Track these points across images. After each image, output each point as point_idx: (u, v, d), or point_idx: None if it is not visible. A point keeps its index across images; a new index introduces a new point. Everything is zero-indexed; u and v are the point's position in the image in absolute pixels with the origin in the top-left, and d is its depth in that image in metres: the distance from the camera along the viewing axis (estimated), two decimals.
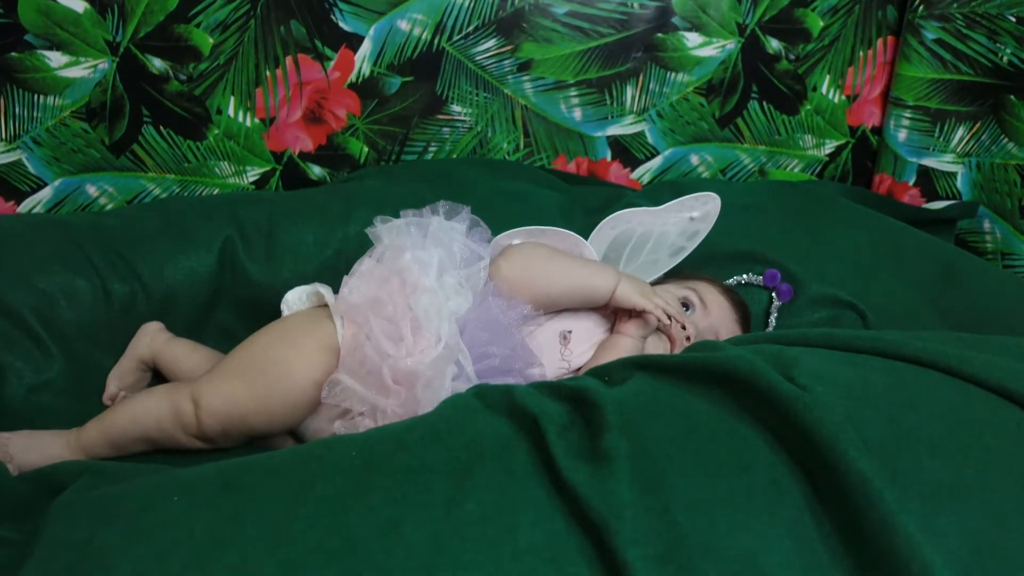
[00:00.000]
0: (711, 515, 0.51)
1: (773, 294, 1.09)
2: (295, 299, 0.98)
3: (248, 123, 1.34)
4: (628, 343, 0.89)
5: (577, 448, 0.56)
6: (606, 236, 1.02)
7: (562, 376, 0.89)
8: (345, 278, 0.93)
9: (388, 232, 0.92)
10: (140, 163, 1.34)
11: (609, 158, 1.42)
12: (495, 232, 1.15)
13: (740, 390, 0.59)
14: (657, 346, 0.93)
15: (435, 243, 0.90)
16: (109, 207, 1.35)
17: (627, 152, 1.42)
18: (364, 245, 1.11)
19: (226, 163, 1.36)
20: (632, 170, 1.43)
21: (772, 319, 1.07)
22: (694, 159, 1.44)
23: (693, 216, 1.02)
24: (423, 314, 0.82)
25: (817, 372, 0.59)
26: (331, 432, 0.85)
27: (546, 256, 0.93)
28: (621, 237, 1.02)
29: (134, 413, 0.89)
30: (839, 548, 0.51)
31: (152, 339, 1.06)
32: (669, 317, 0.90)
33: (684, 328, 0.93)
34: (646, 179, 1.44)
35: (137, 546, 0.54)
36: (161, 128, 1.32)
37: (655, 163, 1.43)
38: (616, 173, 1.43)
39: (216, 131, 1.34)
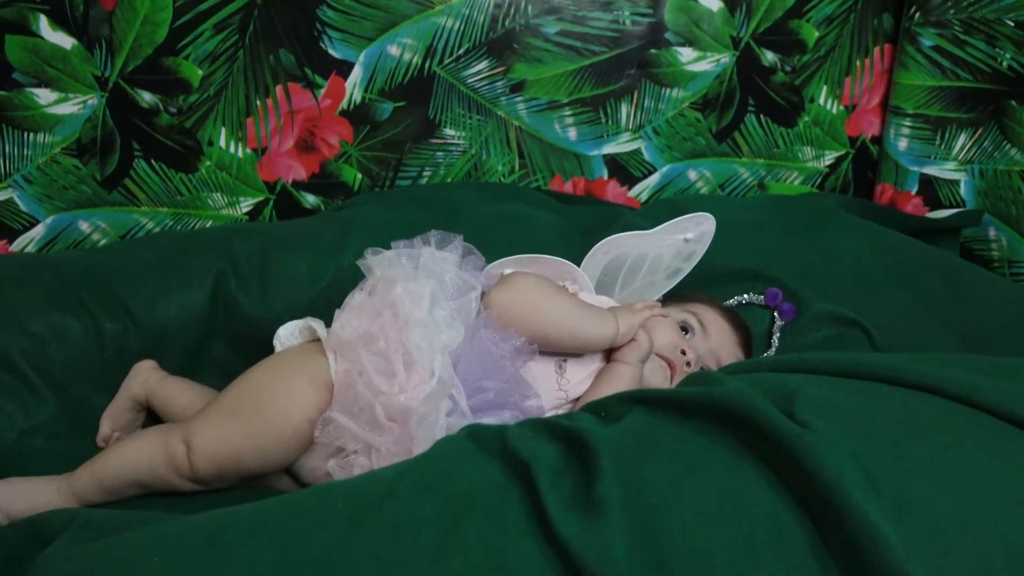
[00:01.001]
0: (710, 565, 0.49)
1: (775, 313, 1.07)
2: (287, 334, 0.96)
3: (240, 154, 1.33)
4: (626, 371, 0.87)
5: (571, 497, 0.54)
6: (599, 261, 1.00)
7: (560, 407, 0.87)
8: (337, 312, 0.91)
9: (379, 264, 0.91)
10: (133, 197, 1.33)
11: (606, 177, 1.40)
12: (491, 258, 1.13)
13: (739, 426, 0.57)
14: (657, 373, 0.91)
15: (427, 274, 0.88)
16: (102, 243, 1.34)
17: (624, 170, 1.41)
18: (359, 275, 1.10)
19: (219, 194, 1.35)
20: (629, 188, 1.42)
21: (775, 339, 1.05)
22: (692, 175, 1.42)
23: (688, 237, 1.00)
24: (415, 348, 0.80)
25: (819, 404, 0.57)
26: (326, 471, 0.83)
27: (547, 295, 0.89)
28: (615, 261, 1.00)
29: (126, 457, 0.87)
30: None
31: (146, 378, 1.04)
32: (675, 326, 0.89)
33: (684, 353, 0.91)
34: (644, 196, 1.42)
35: None
36: (153, 162, 1.31)
37: (653, 180, 1.42)
38: (613, 192, 1.41)
39: (208, 163, 1.32)
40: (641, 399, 0.65)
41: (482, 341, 0.83)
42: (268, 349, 1.00)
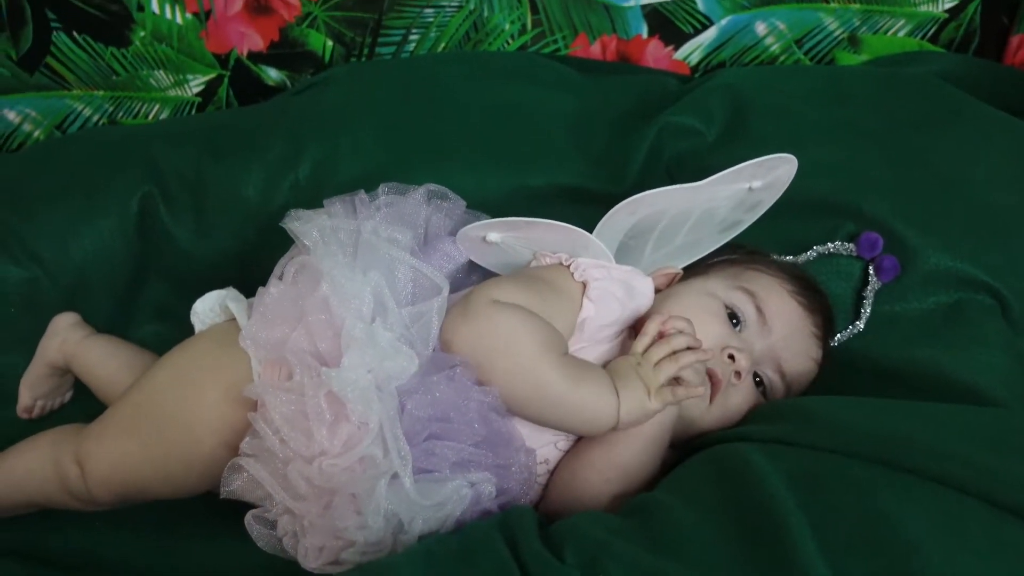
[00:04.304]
0: None
1: (870, 268, 0.78)
2: (206, 310, 0.74)
3: (179, 20, 1.06)
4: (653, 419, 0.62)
5: None
6: (622, 224, 0.70)
7: (558, 442, 0.64)
8: (258, 294, 0.68)
9: (306, 234, 0.66)
10: (60, 79, 1.09)
11: (645, 35, 1.08)
12: (482, 169, 0.88)
13: None
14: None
15: (369, 262, 0.63)
16: (37, 134, 1.12)
17: (669, 25, 1.07)
18: (319, 196, 0.87)
19: (162, 72, 1.10)
20: (676, 48, 1.09)
21: (865, 308, 0.77)
22: (760, 28, 1.08)
23: (754, 186, 0.70)
24: (344, 388, 0.57)
25: None
26: (254, 500, 0.64)
27: (523, 358, 0.60)
28: (645, 220, 0.71)
29: (13, 476, 0.72)
30: None
31: (63, 340, 0.87)
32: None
33: (732, 359, 0.65)
34: (695, 59, 1.10)
35: None
36: (75, 34, 1.06)
37: (707, 36, 1.08)
38: (655, 54, 1.09)
39: (142, 33, 1.06)
40: None
41: (442, 385, 0.58)
42: (215, 285, 0.79)
